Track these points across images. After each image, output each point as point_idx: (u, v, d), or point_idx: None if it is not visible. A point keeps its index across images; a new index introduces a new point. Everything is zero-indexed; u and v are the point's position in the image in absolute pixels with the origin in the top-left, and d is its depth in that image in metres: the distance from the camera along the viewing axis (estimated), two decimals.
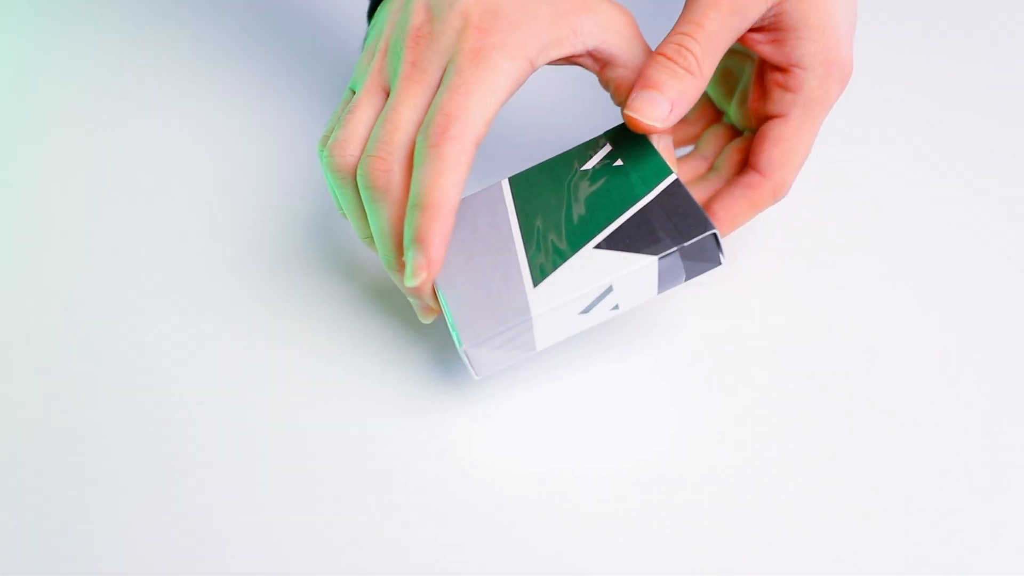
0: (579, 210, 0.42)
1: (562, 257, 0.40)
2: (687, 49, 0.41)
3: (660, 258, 0.39)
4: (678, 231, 0.40)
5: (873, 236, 0.50)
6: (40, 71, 0.62)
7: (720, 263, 0.40)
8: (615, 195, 0.42)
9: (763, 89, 0.45)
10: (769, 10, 0.42)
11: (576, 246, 0.40)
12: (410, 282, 0.39)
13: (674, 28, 0.42)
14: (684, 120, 0.51)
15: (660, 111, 0.41)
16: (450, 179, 0.39)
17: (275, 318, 0.49)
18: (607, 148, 0.44)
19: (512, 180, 0.45)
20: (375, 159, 0.40)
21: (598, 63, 0.43)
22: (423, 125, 0.40)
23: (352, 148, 0.42)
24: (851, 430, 0.43)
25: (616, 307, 0.40)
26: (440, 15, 0.41)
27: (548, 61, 0.42)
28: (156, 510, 0.43)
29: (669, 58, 0.42)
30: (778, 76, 0.44)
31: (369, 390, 0.46)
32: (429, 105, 0.41)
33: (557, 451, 0.43)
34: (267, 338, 0.48)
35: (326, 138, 0.43)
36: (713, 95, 0.50)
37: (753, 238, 0.50)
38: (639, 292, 0.40)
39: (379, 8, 0.45)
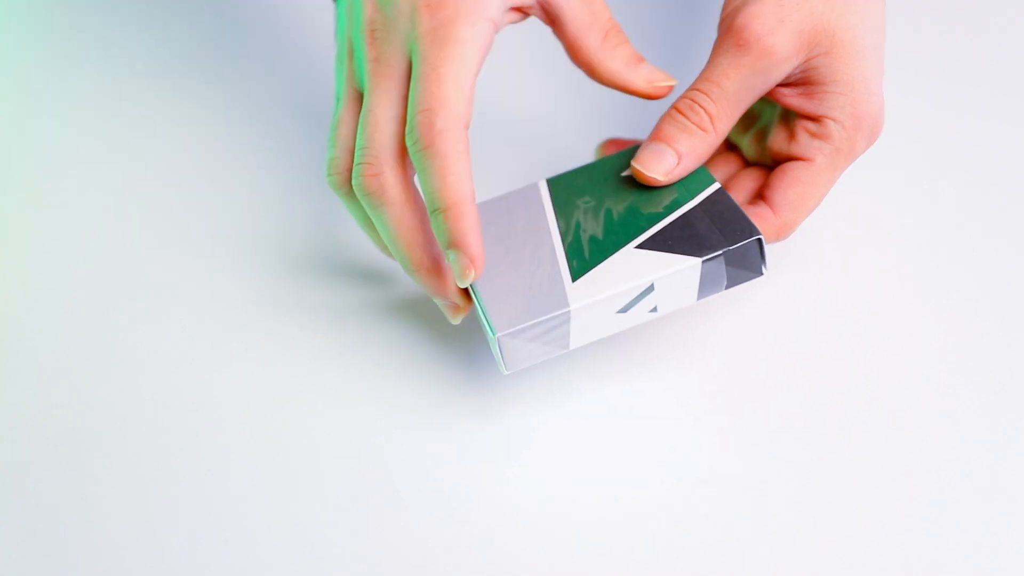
0: (620, 212, 0.42)
1: (602, 255, 0.41)
2: (700, 106, 0.43)
3: (704, 261, 0.40)
4: (723, 235, 0.40)
5: (903, 252, 0.49)
6: (41, 71, 0.61)
7: (762, 273, 0.41)
8: (657, 199, 0.43)
9: (789, 131, 0.45)
10: (796, 68, 0.43)
11: (617, 245, 0.41)
12: (462, 283, 0.40)
13: (693, 83, 0.43)
14: None
15: (665, 164, 0.43)
16: (456, 173, 0.39)
17: (287, 324, 0.48)
18: None
19: (550, 181, 0.46)
20: (363, 167, 0.41)
21: (548, 17, 0.43)
22: (408, 128, 0.40)
23: (344, 163, 0.42)
24: (890, 460, 0.43)
25: (654, 309, 0.40)
26: (387, 2, 0.41)
27: (508, 17, 0.42)
28: (164, 515, 0.43)
29: (681, 113, 0.43)
30: (808, 124, 0.44)
31: (387, 401, 0.45)
32: (404, 97, 0.41)
33: (580, 471, 0.43)
34: (283, 343, 0.48)
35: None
36: (731, 132, 0.50)
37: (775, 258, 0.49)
38: (679, 296, 0.40)
39: (336, 7, 0.45)
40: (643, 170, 0.43)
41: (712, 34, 0.47)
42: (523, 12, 0.43)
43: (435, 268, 0.42)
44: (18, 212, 0.54)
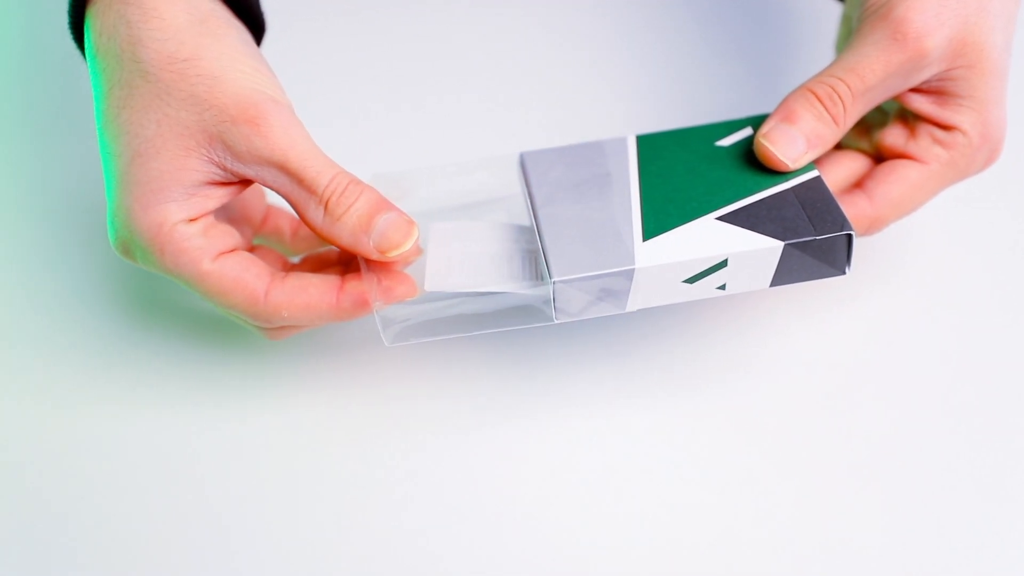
0: (707, 180, 0.41)
1: (681, 220, 0.39)
2: (840, 96, 0.41)
3: (787, 244, 0.38)
4: (812, 223, 0.38)
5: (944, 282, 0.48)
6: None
7: (844, 272, 0.39)
8: (749, 175, 0.41)
9: (910, 129, 0.43)
10: (935, 75, 0.41)
11: (698, 212, 0.39)
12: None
13: (833, 66, 0.41)
14: None
15: (796, 149, 0.41)
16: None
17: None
18: (747, 131, 0.43)
19: (640, 138, 0.43)
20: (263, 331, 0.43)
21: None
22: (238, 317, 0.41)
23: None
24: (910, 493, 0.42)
25: (723, 286, 0.39)
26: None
27: (211, 197, 0.39)
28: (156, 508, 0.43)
29: (819, 99, 0.41)
30: (935, 129, 0.42)
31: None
32: None
33: (592, 492, 0.42)
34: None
35: None
36: None
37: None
38: (752, 277, 0.39)
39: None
40: (774, 150, 0.40)
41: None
42: (233, 185, 0.39)
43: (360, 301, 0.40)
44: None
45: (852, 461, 0.42)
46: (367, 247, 0.39)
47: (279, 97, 0.39)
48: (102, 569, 0.41)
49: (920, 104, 0.42)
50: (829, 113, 0.41)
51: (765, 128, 0.41)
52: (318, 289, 0.40)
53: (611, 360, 0.46)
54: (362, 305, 0.40)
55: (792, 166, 0.41)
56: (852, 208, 0.42)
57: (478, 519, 0.41)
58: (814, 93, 0.41)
